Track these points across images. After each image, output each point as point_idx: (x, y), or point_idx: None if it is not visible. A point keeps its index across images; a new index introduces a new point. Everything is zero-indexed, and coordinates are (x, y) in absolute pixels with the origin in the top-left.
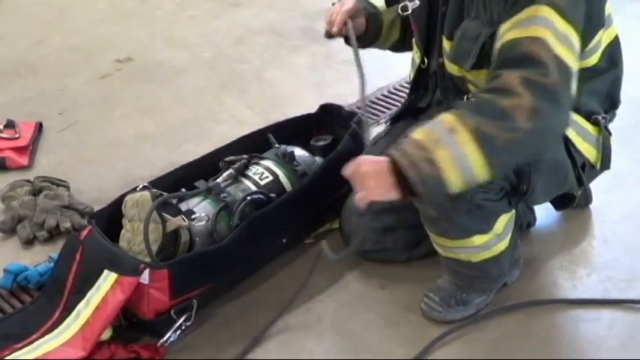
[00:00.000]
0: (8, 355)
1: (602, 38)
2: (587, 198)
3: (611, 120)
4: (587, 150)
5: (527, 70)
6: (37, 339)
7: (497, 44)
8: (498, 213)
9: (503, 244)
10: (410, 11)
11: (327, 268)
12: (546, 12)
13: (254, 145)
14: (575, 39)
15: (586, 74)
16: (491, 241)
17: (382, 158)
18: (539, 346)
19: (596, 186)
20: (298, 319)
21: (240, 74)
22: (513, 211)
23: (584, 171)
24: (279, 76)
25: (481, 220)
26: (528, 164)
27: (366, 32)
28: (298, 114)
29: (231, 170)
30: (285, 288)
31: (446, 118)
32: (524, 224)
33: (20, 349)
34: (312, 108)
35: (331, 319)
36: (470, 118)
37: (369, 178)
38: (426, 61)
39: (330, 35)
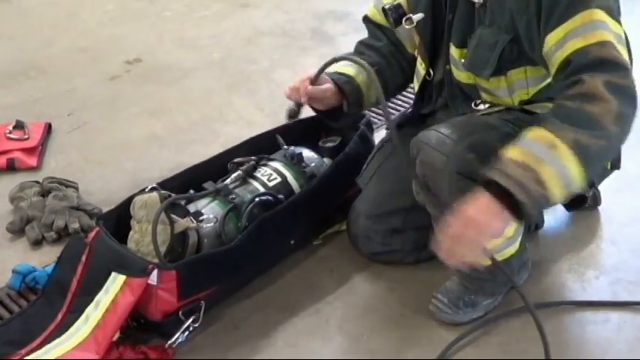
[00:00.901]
0: None
1: None
2: (596, 200)
3: None
4: None
5: (608, 74)
6: (41, 342)
7: (555, 55)
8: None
9: (513, 248)
10: (414, 24)
11: (335, 269)
12: (601, 15)
13: (262, 146)
14: (624, 36)
15: None
16: (502, 244)
17: (477, 192)
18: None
19: (605, 188)
20: (306, 320)
21: (249, 75)
22: None
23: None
24: (288, 77)
25: None
26: None
27: (348, 105)
28: (307, 116)
29: (239, 172)
30: (293, 289)
31: (541, 133)
32: (532, 226)
33: (26, 354)
34: None
35: (339, 320)
36: (566, 132)
37: (478, 218)
38: (431, 72)
39: (295, 113)
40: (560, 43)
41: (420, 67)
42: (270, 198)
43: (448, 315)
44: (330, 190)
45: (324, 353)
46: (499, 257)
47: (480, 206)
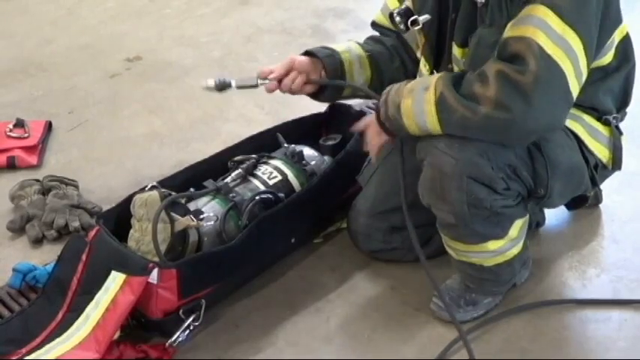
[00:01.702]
0: None
1: (615, 35)
2: (597, 198)
3: (622, 119)
4: (600, 150)
5: (505, 64)
6: (41, 341)
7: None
8: (514, 218)
9: (516, 249)
10: (420, 25)
11: (336, 267)
12: (541, 12)
13: (263, 144)
14: (574, 41)
15: (602, 73)
16: (505, 246)
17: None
18: (549, 347)
19: (606, 186)
20: (307, 319)
21: (249, 73)
22: (527, 215)
23: (597, 171)
24: None
25: (497, 225)
26: (546, 169)
27: (326, 74)
28: (307, 113)
29: (240, 170)
30: (293, 288)
31: (434, 76)
32: (533, 224)
33: (26, 353)
34: (321, 107)
35: (340, 319)
36: (445, 86)
37: (370, 128)
38: (435, 73)
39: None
40: (505, 29)
41: (424, 69)
42: (270, 196)
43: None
44: (330, 189)
45: (324, 352)
46: (502, 258)
47: (372, 119)
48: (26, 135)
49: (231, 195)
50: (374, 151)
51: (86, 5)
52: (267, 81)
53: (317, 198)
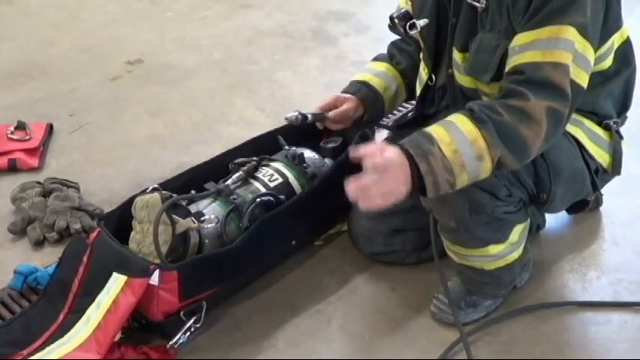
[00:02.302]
0: None
1: (615, 39)
2: (598, 201)
3: (622, 123)
4: (600, 155)
5: (552, 100)
6: (43, 343)
7: (515, 57)
8: (514, 223)
9: (516, 253)
10: (419, 29)
11: (336, 270)
12: (570, 34)
13: (264, 146)
14: (591, 56)
15: (601, 78)
16: (506, 250)
17: (401, 160)
18: (550, 349)
19: (606, 188)
20: (308, 321)
21: (250, 76)
22: (528, 220)
23: (598, 176)
24: (289, 77)
25: (498, 230)
26: (549, 175)
27: (367, 118)
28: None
29: (240, 172)
30: (294, 290)
31: (476, 136)
32: (533, 227)
33: (28, 355)
34: None
35: (340, 321)
36: (497, 148)
37: (392, 168)
38: (433, 78)
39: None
40: (523, 47)
41: (423, 72)
42: (271, 198)
43: (450, 315)
44: (331, 191)
45: (325, 354)
46: (503, 262)
47: (397, 174)
48: (27, 137)
49: (232, 197)
50: (382, 204)
51: (87, 8)
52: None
53: (318, 200)
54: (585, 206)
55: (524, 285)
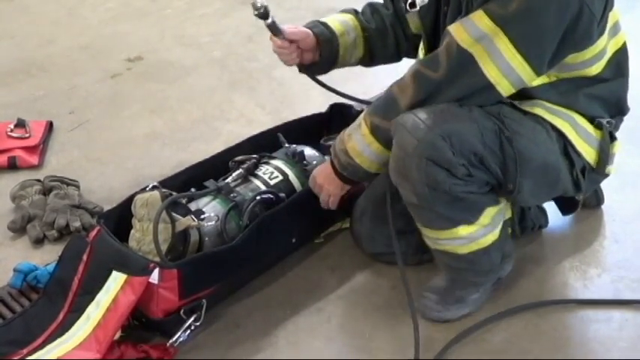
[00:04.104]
0: None
1: (608, 47)
2: (599, 199)
3: (617, 126)
4: (588, 152)
5: (422, 65)
6: (43, 342)
7: None
8: (484, 205)
9: (491, 236)
10: (418, 8)
11: (337, 267)
12: (477, 17)
13: (264, 144)
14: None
15: (586, 82)
16: (478, 232)
17: (327, 162)
18: (549, 347)
19: (607, 186)
20: (308, 319)
21: (250, 73)
22: (501, 204)
23: (585, 175)
24: (289, 74)
25: (465, 211)
26: (515, 164)
27: (320, 58)
28: (308, 113)
29: (240, 170)
30: (294, 288)
31: (362, 113)
32: (535, 226)
33: (27, 354)
34: (322, 107)
35: (341, 319)
36: (369, 114)
37: (325, 184)
38: None
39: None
40: None
41: (421, 53)
42: (271, 196)
43: (439, 313)
44: None
45: (325, 352)
46: (477, 246)
47: (325, 175)
48: (27, 135)
49: (232, 195)
50: (335, 204)
51: (87, 5)
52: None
53: (318, 198)
54: (575, 206)
55: (525, 282)
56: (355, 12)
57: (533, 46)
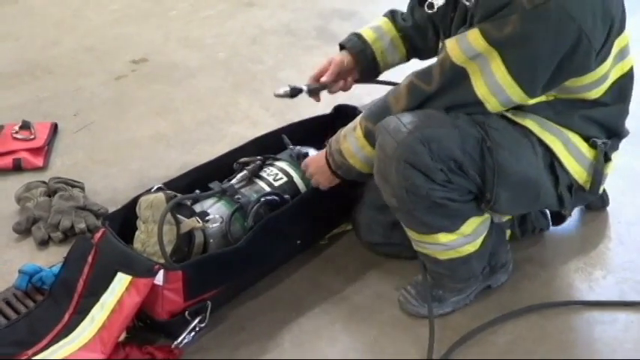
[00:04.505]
0: None
1: (612, 72)
2: (604, 201)
3: (613, 146)
4: (577, 171)
5: (416, 77)
6: (48, 343)
7: None
8: (466, 215)
9: (471, 247)
10: (435, 10)
11: (341, 269)
12: (472, 36)
13: (268, 146)
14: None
15: (582, 104)
16: (457, 241)
17: (322, 155)
18: (555, 348)
19: (613, 188)
20: (313, 321)
21: (254, 74)
22: (487, 217)
23: (572, 192)
24: (293, 76)
25: (445, 218)
26: (493, 174)
27: (360, 69)
28: (313, 115)
29: (245, 171)
30: (299, 290)
31: (359, 116)
32: (536, 229)
33: (32, 355)
34: (326, 109)
35: (345, 321)
36: (364, 119)
37: (315, 175)
38: None
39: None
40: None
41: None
42: (276, 198)
43: (414, 307)
44: (336, 190)
45: (330, 353)
46: (455, 254)
47: (317, 167)
48: (32, 137)
49: (236, 197)
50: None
51: (91, 7)
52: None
53: (322, 200)
54: (562, 220)
55: (530, 284)
56: (391, 14)
57: (526, 71)
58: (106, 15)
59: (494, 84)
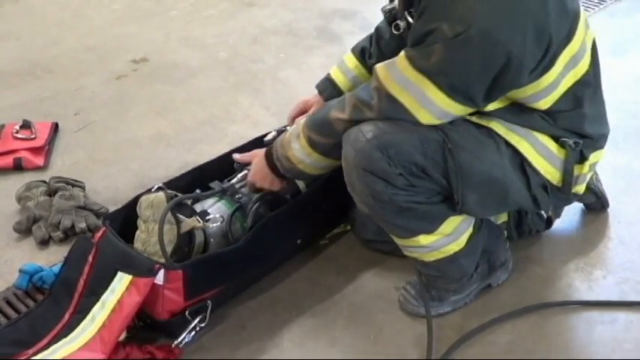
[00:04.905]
0: None
1: (563, 80)
2: (603, 204)
3: (590, 146)
4: (548, 171)
5: (359, 97)
6: (48, 343)
7: None
8: (441, 215)
9: (455, 246)
10: (401, 31)
11: (341, 269)
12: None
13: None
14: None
15: (534, 114)
16: (439, 241)
17: (262, 156)
18: (554, 348)
19: (613, 187)
20: (313, 320)
21: (255, 74)
22: (465, 215)
23: (548, 192)
24: (294, 76)
25: (419, 220)
26: (456, 176)
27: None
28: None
29: (245, 171)
30: (299, 289)
31: (300, 122)
32: (533, 231)
33: (33, 354)
34: None
35: (346, 320)
36: (309, 129)
37: (266, 186)
38: None
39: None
40: None
41: None
42: (276, 197)
43: (414, 307)
44: (336, 190)
45: (330, 353)
46: (441, 254)
47: (261, 175)
48: (33, 136)
49: (237, 196)
50: (253, 190)
51: (92, 7)
52: None
53: (322, 199)
54: (549, 223)
55: (530, 284)
56: (361, 53)
57: (463, 92)
58: (106, 14)
59: (437, 110)
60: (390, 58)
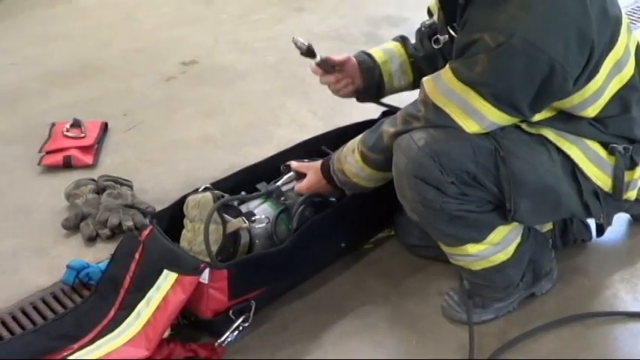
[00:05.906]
0: (68, 355)
1: (609, 86)
2: None
3: (638, 151)
4: (600, 177)
5: (408, 110)
6: (93, 337)
7: None
8: (491, 224)
9: (503, 255)
10: (442, 45)
11: (385, 273)
12: (448, 76)
13: (315, 149)
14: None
15: (582, 121)
16: (487, 250)
17: (317, 168)
18: (597, 358)
19: None
20: (355, 323)
21: (303, 78)
22: (517, 224)
23: (600, 199)
24: None
25: (469, 229)
26: (509, 184)
27: (364, 84)
28: (360, 119)
29: (291, 173)
30: (342, 292)
31: (357, 138)
32: (578, 240)
33: (78, 349)
34: (374, 113)
35: (388, 324)
36: (363, 144)
37: (313, 185)
38: None
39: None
40: None
41: None
42: (321, 200)
43: (457, 313)
44: (381, 194)
45: (371, 356)
46: (488, 264)
47: (315, 177)
48: (83, 135)
49: (282, 198)
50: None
51: (143, 10)
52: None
53: (368, 203)
54: (600, 231)
55: (574, 293)
56: (403, 39)
57: (508, 101)
58: (156, 18)
59: (483, 119)
60: (433, 58)
